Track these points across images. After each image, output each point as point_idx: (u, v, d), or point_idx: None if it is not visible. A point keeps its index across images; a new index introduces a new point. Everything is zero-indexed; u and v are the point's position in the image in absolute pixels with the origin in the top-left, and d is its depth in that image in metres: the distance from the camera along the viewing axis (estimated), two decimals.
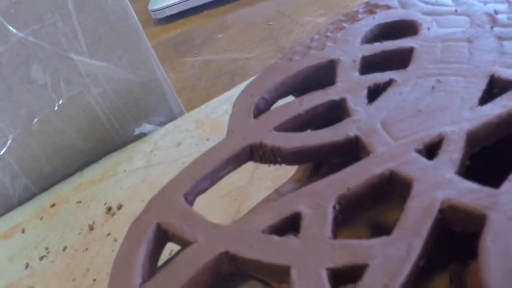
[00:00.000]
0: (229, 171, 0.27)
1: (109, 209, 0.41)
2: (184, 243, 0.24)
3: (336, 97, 0.28)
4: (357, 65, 0.30)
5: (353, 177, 0.23)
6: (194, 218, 0.24)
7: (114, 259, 0.24)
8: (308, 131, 0.27)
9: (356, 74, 0.29)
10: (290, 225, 0.23)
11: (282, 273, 0.21)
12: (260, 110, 0.30)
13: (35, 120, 0.44)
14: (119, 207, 0.40)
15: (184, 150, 0.44)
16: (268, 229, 0.22)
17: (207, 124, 0.46)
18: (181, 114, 0.50)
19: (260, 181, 0.38)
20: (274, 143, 0.26)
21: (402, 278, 0.19)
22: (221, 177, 0.27)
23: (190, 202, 0.26)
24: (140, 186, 0.42)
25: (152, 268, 0.24)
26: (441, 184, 0.22)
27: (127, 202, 0.41)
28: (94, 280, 0.35)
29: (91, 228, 0.39)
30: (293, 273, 0.20)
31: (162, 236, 0.25)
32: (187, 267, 0.22)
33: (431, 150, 0.24)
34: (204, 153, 0.28)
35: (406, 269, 0.19)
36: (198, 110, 0.49)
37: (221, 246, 0.22)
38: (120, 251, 0.24)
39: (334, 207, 0.22)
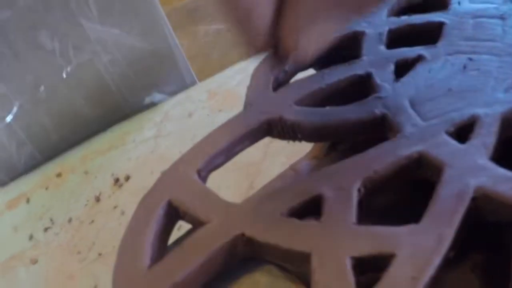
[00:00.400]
0: (245, 147, 0.26)
1: (117, 180, 0.39)
2: (196, 223, 0.22)
3: (361, 71, 0.26)
4: (383, 39, 0.28)
5: (380, 159, 0.22)
6: (208, 196, 0.23)
7: (122, 236, 0.23)
8: (331, 107, 0.25)
9: (382, 48, 0.27)
10: (312, 208, 0.21)
11: (301, 259, 0.19)
12: (280, 82, 0.28)
13: (42, 87, 0.43)
14: (127, 178, 0.39)
15: (196, 121, 0.42)
16: (288, 212, 0.21)
17: (220, 95, 0.44)
18: (193, 83, 0.48)
19: (274, 157, 0.36)
20: (295, 118, 0.25)
21: (431, 270, 0.18)
22: (236, 153, 0.26)
23: (203, 179, 0.25)
24: (149, 157, 0.41)
25: (161, 247, 0.23)
26: (474, 171, 0.20)
27: (135, 173, 0.40)
28: (100, 254, 0.34)
29: (98, 199, 0.38)
30: (314, 261, 0.19)
31: (172, 213, 0.24)
32: (200, 250, 0.20)
33: (462, 132, 0.22)
34: (219, 127, 0.26)
35: (436, 260, 0.18)
36: (211, 80, 0.47)
37: (237, 228, 0.21)
38: (128, 229, 0.23)
39: (359, 190, 0.21)
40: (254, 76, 0.28)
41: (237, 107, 0.43)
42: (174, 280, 0.20)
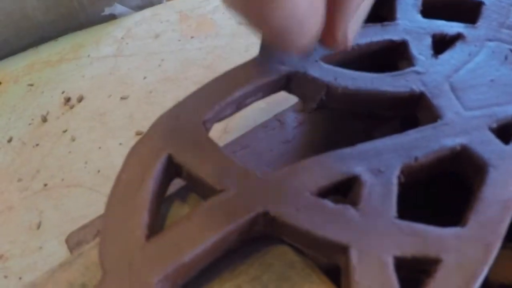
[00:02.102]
0: (257, 99, 0.23)
1: (68, 99, 0.34)
2: (205, 188, 0.19)
3: (396, 37, 0.23)
4: (419, 5, 0.25)
5: (421, 144, 0.20)
6: (221, 158, 0.19)
7: (108, 196, 0.19)
8: (362, 72, 0.22)
9: (418, 16, 0.25)
10: (344, 188, 0.19)
11: (334, 250, 0.17)
12: None
13: None
14: (80, 99, 0.34)
15: (164, 44, 0.37)
16: (318, 191, 0.18)
17: (192, 19, 0.39)
18: (160, 1, 0.43)
19: None
20: (324, 78, 0.21)
21: (477, 283, 0.16)
22: (247, 105, 0.22)
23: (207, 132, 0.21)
24: (107, 78, 0.35)
25: (157, 213, 0.19)
26: None
27: (90, 94, 0.35)
28: (45, 185, 0.30)
29: (44, 119, 0.33)
30: (353, 256, 0.17)
31: (171, 171, 0.20)
32: (214, 225, 0.17)
33: (504, 131, 0.20)
34: (227, 72, 0.22)
35: (483, 273, 0.17)
36: (182, 0, 0.42)
37: (259, 204, 0.18)
38: (118, 185, 0.19)
39: (398, 177, 0.19)
40: None
41: (211, 37, 0.39)
42: (182, 260, 0.17)
